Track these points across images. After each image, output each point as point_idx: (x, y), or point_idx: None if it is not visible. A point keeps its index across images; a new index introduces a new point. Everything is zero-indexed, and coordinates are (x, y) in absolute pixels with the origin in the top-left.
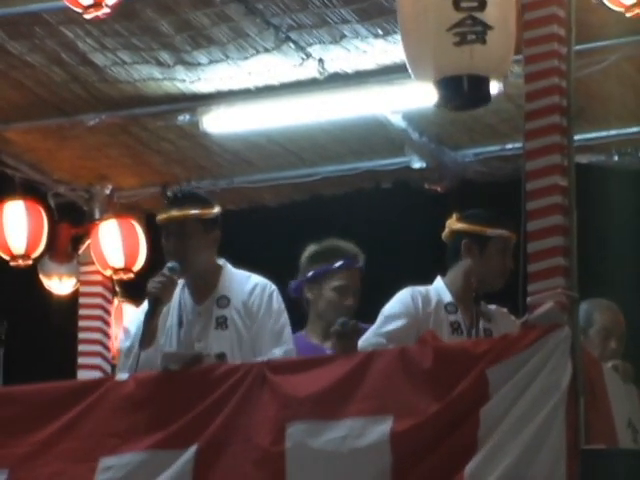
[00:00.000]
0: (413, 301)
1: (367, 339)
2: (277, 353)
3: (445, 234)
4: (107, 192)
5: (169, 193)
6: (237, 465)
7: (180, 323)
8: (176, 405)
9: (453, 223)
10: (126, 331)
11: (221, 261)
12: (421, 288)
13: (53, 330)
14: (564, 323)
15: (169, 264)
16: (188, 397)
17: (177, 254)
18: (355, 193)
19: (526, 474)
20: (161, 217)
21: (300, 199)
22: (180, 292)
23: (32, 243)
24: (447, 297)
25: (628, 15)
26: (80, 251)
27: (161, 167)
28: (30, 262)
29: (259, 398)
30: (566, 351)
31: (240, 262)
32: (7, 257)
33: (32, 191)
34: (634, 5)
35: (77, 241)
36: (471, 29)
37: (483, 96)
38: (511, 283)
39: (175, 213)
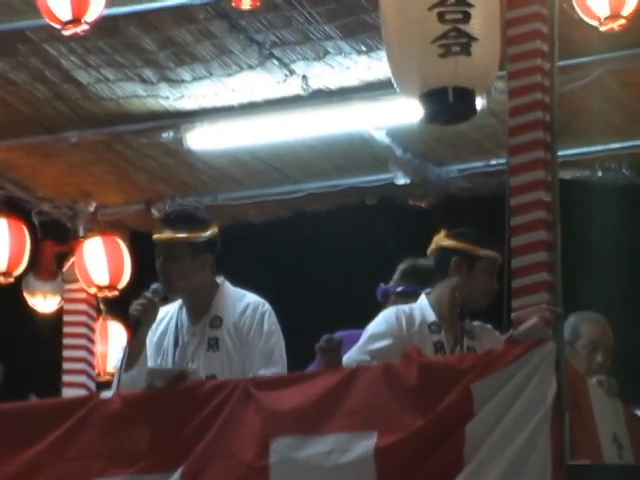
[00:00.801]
0: (397, 321)
1: (351, 356)
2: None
3: (432, 250)
4: (91, 209)
5: (164, 211)
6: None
7: (176, 344)
8: (162, 425)
9: (442, 240)
10: (123, 349)
11: (220, 279)
12: (405, 307)
13: (37, 348)
14: (549, 338)
15: (153, 285)
16: (174, 416)
17: (164, 275)
18: (339, 209)
19: None
20: (154, 236)
21: (284, 215)
22: (178, 312)
23: (14, 261)
24: (431, 316)
25: (602, 29)
26: (64, 269)
27: (145, 184)
28: (12, 280)
29: (243, 414)
30: (551, 366)
31: (225, 279)
32: None
33: (16, 209)
34: (608, 18)
35: (61, 259)
36: (456, 41)
37: (468, 109)
38: (495, 299)
39: (164, 235)
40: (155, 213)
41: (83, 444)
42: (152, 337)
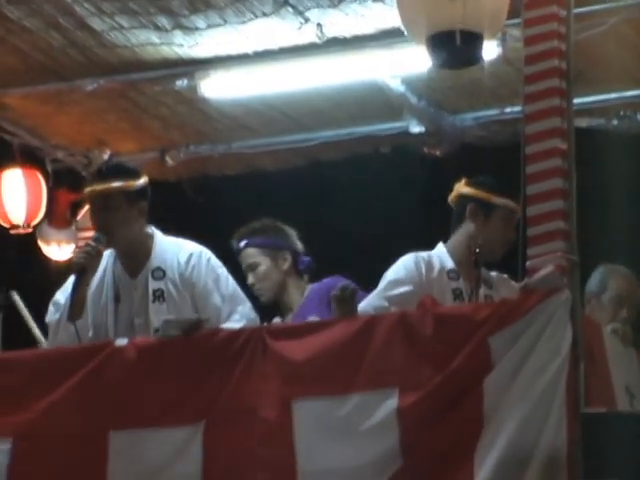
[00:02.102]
0: (417, 267)
1: (370, 302)
2: (243, 310)
3: (452, 197)
4: (105, 157)
5: (97, 167)
6: (244, 440)
7: (117, 298)
8: (180, 375)
9: (461, 187)
10: (55, 303)
11: (150, 230)
12: (424, 254)
13: (52, 296)
14: (564, 287)
15: (95, 234)
16: (191, 366)
17: (103, 227)
18: (354, 158)
19: (532, 441)
20: (85, 191)
21: (299, 164)
22: (113, 266)
23: (32, 212)
24: (449, 263)
25: None
26: (79, 217)
27: (159, 132)
28: (30, 230)
29: (261, 367)
30: (566, 315)
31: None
32: (7, 226)
33: (30, 156)
34: None
35: (76, 207)
36: None
37: (475, 53)
38: (511, 247)
39: (98, 187)
40: (169, 161)
41: (101, 393)
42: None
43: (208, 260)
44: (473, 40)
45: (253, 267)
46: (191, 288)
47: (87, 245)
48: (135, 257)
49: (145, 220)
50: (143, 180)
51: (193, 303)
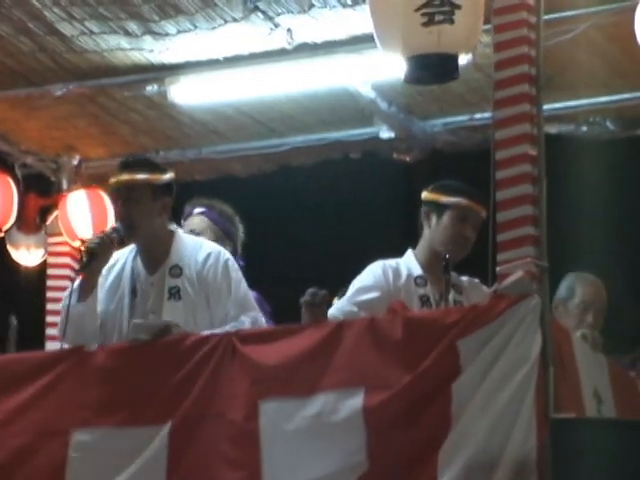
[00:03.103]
0: (384, 275)
1: (339, 307)
2: (245, 320)
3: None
4: (75, 163)
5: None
6: (211, 441)
7: (134, 293)
8: (148, 378)
9: (423, 194)
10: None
11: (172, 227)
12: (392, 262)
13: (21, 301)
14: (533, 292)
15: (115, 224)
16: (159, 369)
17: (125, 219)
18: (324, 163)
19: (500, 446)
20: (111, 181)
21: (269, 169)
22: (132, 261)
23: (3, 216)
24: (417, 270)
25: None
26: (48, 222)
27: (129, 137)
28: (2, 235)
29: (230, 370)
30: (535, 320)
31: None
32: None
33: (0, 162)
34: None
35: (45, 212)
36: (439, 9)
37: (451, 72)
38: (481, 253)
39: (124, 177)
40: None
41: (67, 395)
42: (104, 282)
43: (225, 263)
44: (449, 60)
45: (196, 234)
46: (206, 287)
47: (103, 232)
48: (154, 253)
49: (168, 217)
50: (169, 175)
51: (208, 302)
